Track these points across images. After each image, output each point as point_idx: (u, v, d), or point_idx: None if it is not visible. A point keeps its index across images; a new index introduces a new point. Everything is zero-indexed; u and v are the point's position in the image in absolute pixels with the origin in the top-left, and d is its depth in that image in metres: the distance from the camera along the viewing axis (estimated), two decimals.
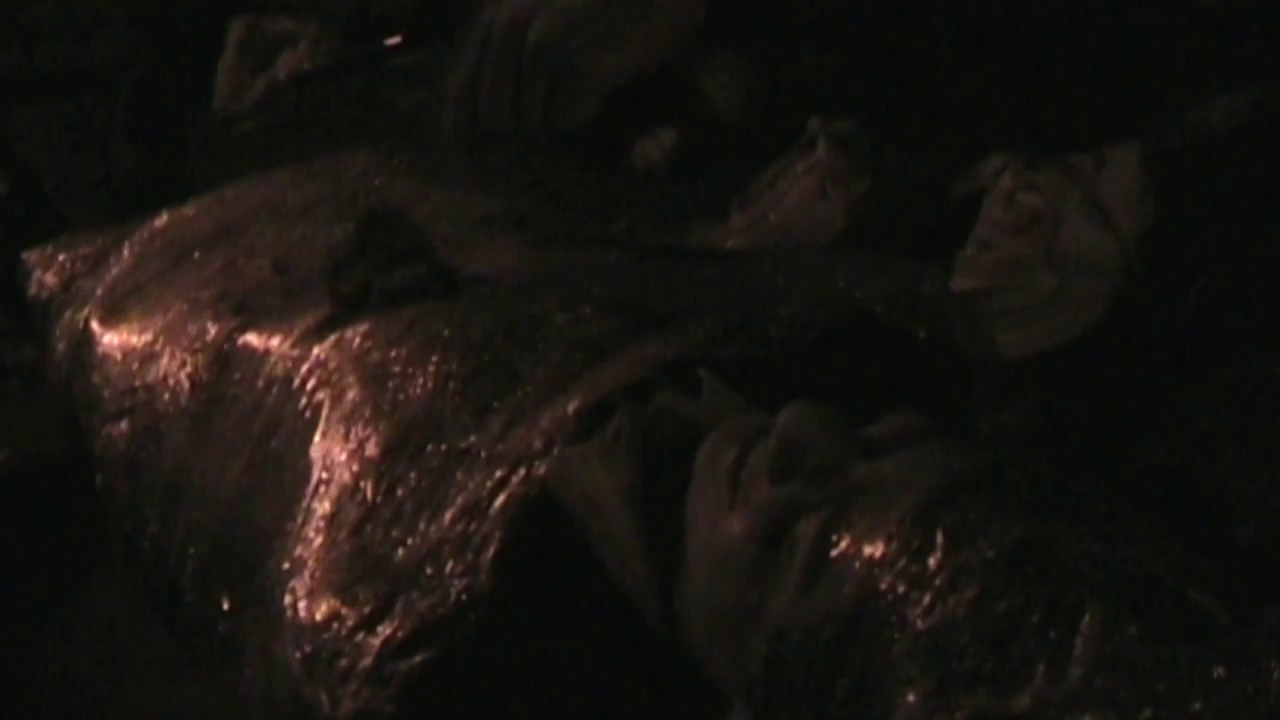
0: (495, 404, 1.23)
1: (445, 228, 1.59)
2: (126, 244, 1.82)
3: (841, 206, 1.95)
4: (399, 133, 3.04)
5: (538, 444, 1.16)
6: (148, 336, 1.60)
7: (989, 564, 0.88)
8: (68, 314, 1.77)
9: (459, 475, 1.18)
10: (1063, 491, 0.95)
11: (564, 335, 1.29)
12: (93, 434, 1.62)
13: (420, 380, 1.28)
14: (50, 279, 1.93)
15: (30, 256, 2.02)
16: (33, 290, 1.96)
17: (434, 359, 1.29)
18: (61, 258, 1.95)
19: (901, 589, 0.89)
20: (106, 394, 1.60)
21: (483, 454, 1.19)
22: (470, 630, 1.12)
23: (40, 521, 1.99)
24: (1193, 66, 2.40)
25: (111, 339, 1.65)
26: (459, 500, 1.16)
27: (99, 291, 1.75)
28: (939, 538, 0.90)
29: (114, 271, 1.78)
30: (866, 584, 0.90)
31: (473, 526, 1.14)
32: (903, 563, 0.89)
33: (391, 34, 3.63)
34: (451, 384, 1.26)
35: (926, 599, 0.88)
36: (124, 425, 1.56)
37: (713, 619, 1.02)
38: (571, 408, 1.19)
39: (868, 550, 0.91)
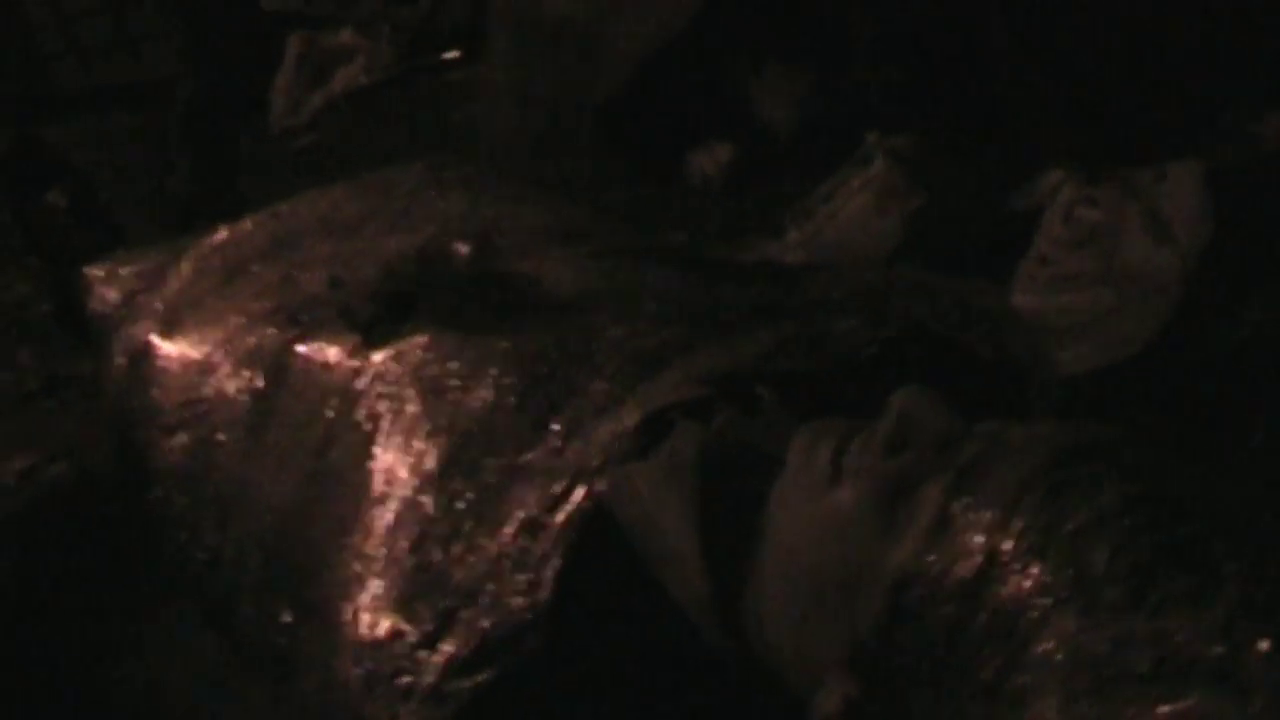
0: (552, 418, 1.23)
1: (499, 241, 1.60)
2: (183, 259, 1.83)
3: (898, 221, 1.95)
4: (454, 146, 3.06)
5: (595, 459, 1.16)
6: (205, 350, 1.61)
7: (1122, 511, 0.87)
8: (126, 328, 1.78)
9: (517, 490, 1.18)
10: (1181, 463, 0.94)
11: (620, 348, 1.29)
12: (150, 447, 1.62)
13: (478, 393, 1.28)
14: (112, 294, 1.94)
15: (91, 271, 2.03)
16: (93, 305, 1.97)
17: (492, 372, 1.29)
18: (122, 272, 1.97)
19: (1036, 538, 0.88)
20: (165, 407, 1.61)
21: (542, 468, 1.19)
22: (531, 649, 1.11)
23: (93, 533, 2.01)
24: (1251, 82, 2.38)
25: (170, 353, 1.66)
26: (518, 515, 1.16)
27: (157, 306, 1.76)
28: (1070, 492, 0.90)
29: (172, 286, 1.79)
30: (998, 533, 0.89)
31: (532, 542, 1.14)
32: (1034, 514, 0.89)
33: (449, 48, 3.66)
34: (509, 397, 1.26)
35: (1064, 546, 0.87)
36: (182, 438, 1.57)
37: (810, 597, 1.01)
38: (629, 422, 1.18)
39: (998, 504, 0.91)
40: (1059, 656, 0.84)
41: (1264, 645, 0.80)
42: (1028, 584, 0.87)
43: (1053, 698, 0.84)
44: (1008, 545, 0.89)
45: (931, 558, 0.92)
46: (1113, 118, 2.27)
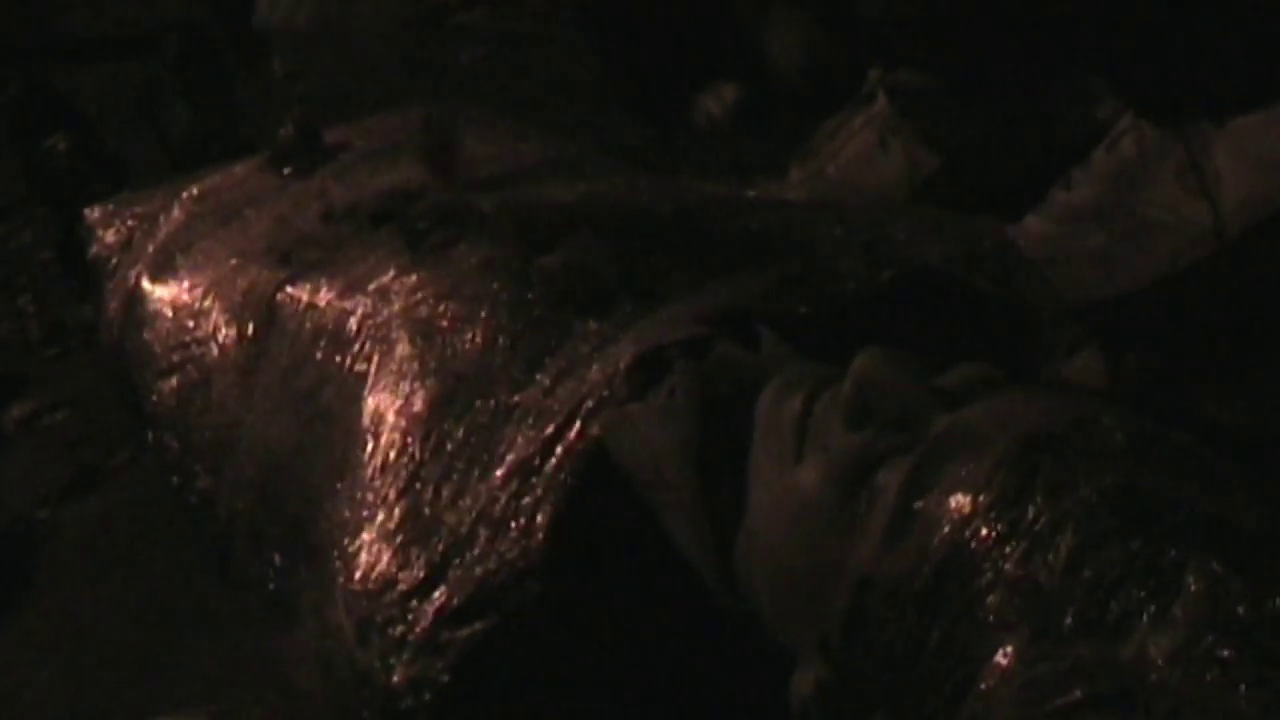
0: (546, 359, 1.20)
1: (493, 177, 1.57)
2: (177, 203, 1.81)
3: (902, 159, 1.91)
4: (457, 88, 3.03)
5: (589, 399, 1.13)
6: (197, 292, 1.59)
7: (1089, 512, 0.82)
8: (120, 272, 1.77)
9: (509, 431, 1.16)
10: (1160, 442, 0.88)
11: (616, 286, 1.26)
12: (145, 390, 1.61)
13: (470, 335, 1.25)
14: (110, 237, 1.92)
15: (91, 214, 2.02)
16: (94, 248, 1.96)
17: (483, 313, 1.26)
18: (121, 215, 1.95)
19: (997, 536, 0.83)
20: (157, 350, 1.60)
21: (533, 409, 1.16)
22: (526, 598, 1.09)
23: (95, 480, 2.01)
24: None
25: (162, 296, 1.64)
26: (509, 458, 1.13)
27: (150, 249, 1.74)
28: (1036, 484, 0.84)
29: (165, 230, 1.77)
30: (959, 532, 0.84)
31: (525, 485, 1.11)
32: (997, 510, 0.83)
33: None
34: (501, 338, 1.24)
35: (1023, 546, 0.82)
36: (173, 381, 1.56)
37: (782, 574, 0.97)
38: (623, 361, 1.15)
39: (959, 498, 0.85)
40: (1013, 684, 0.79)
41: (1217, 673, 0.74)
42: (984, 603, 0.82)
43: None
44: (965, 551, 0.83)
45: (890, 560, 0.87)
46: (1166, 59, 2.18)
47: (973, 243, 1.37)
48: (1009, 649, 0.80)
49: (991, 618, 0.81)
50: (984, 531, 0.83)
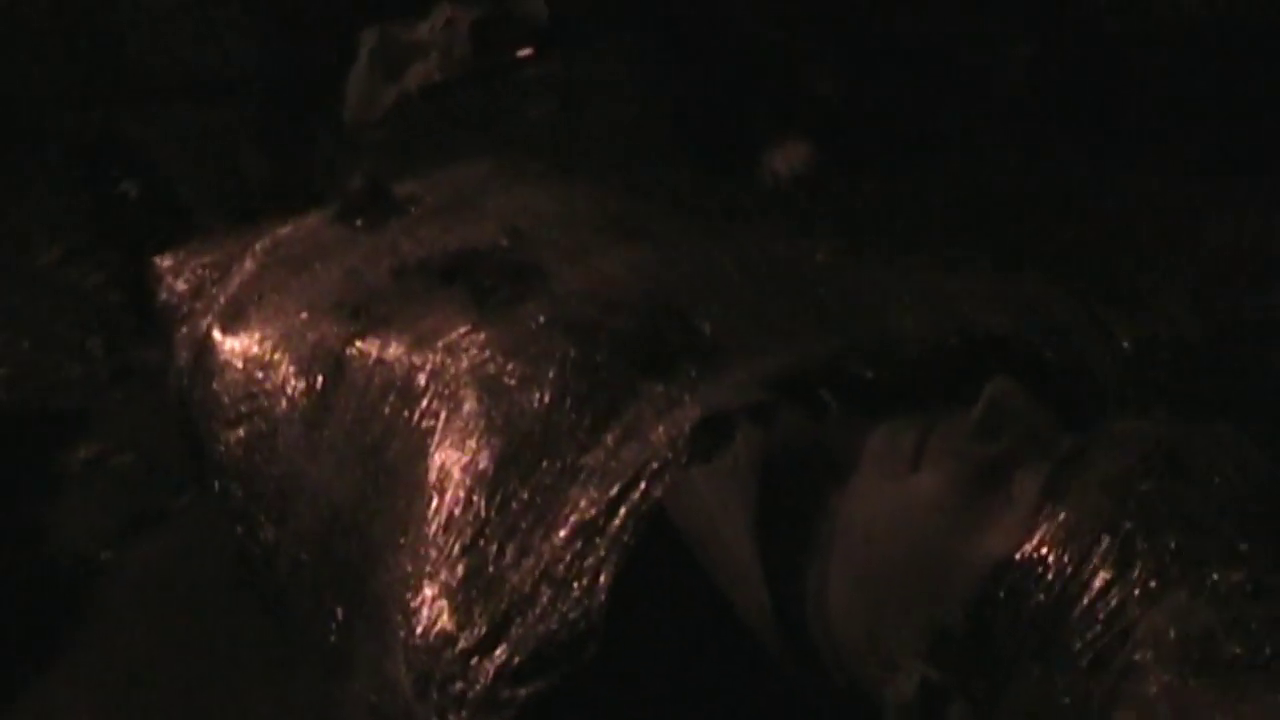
0: (610, 420, 1.21)
1: (562, 235, 1.58)
2: (249, 254, 1.83)
3: None
4: (527, 142, 3.05)
5: (653, 461, 1.14)
6: (267, 344, 1.61)
7: (1240, 496, 0.88)
8: (191, 321, 1.78)
9: (573, 491, 1.16)
10: None
11: (680, 349, 1.27)
12: (211, 439, 1.62)
13: (536, 394, 1.26)
14: (181, 285, 1.95)
15: (162, 261, 2.04)
16: (163, 295, 1.98)
17: (550, 372, 1.27)
18: (192, 263, 1.97)
19: (1138, 525, 0.88)
20: (225, 400, 1.61)
21: (597, 470, 1.16)
22: (586, 658, 1.09)
23: (157, 524, 2.03)
24: None
25: (232, 347, 1.66)
26: (573, 518, 1.14)
27: (222, 299, 1.76)
28: (1188, 466, 0.90)
29: (236, 280, 1.79)
30: (1099, 521, 0.89)
31: (588, 545, 1.12)
32: (1146, 491, 0.89)
33: (523, 46, 3.65)
34: (568, 398, 1.24)
35: (1180, 521, 0.87)
36: (241, 431, 1.57)
37: (881, 583, 1.00)
38: (687, 424, 1.16)
39: (1099, 495, 0.90)
40: (1170, 633, 0.83)
41: None
42: (1134, 569, 0.86)
43: (1161, 674, 0.83)
44: (1113, 530, 0.88)
45: (1030, 545, 0.91)
46: None
47: (1041, 310, 1.37)
48: (1172, 599, 0.84)
49: (1151, 582, 0.85)
50: (1129, 519, 0.88)
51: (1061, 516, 0.91)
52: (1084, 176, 2.21)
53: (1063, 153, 2.22)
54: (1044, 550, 0.90)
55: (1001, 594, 0.91)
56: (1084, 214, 2.11)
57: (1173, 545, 0.86)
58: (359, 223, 1.79)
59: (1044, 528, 0.91)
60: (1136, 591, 0.86)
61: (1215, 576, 0.84)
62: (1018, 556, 0.91)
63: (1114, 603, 0.86)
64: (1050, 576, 0.89)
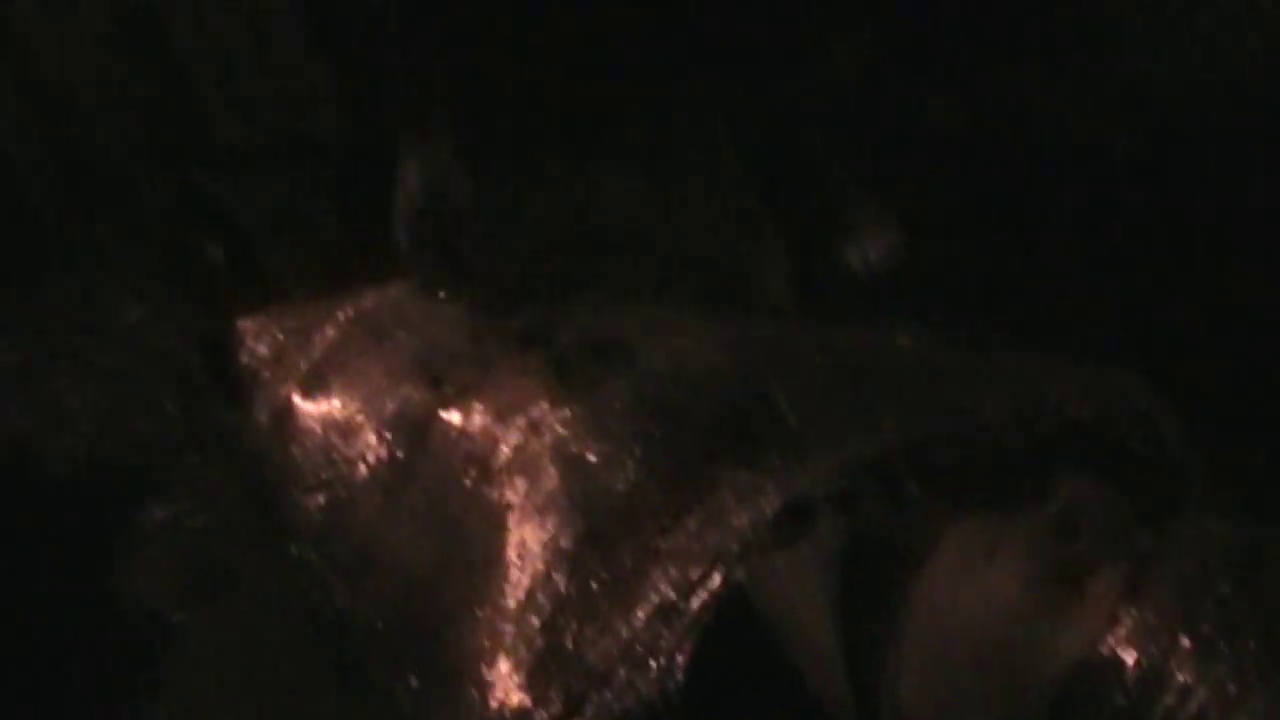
0: (693, 503, 1.21)
1: (646, 310, 1.59)
2: (330, 320, 1.85)
3: None
4: (608, 210, 3.06)
5: (734, 546, 1.14)
6: (348, 410, 1.62)
7: None
8: (272, 386, 1.81)
9: (653, 573, 1.16)
10: None
11: (763, 434, 1.27)
12: (288, 503, 1.64)
13: (620, 475, 1.26)
14: (262, 349, 1.97)
15: (244, 324, 2.07)
16: (244, 358, 2.01)
17: (635, 454, 1.28)
18: (273, 327, 2.00)
19: (1218, 629, 0.88)
20: (304, 466, 1.63)
21: (678, 552, 1.17)
22: None
23: (230, 586, 2.03)
24: None
25: (313, 412, 1.68)
26: (652, 599, 1.14)
27: (303, 365, 1.78)
28: (1262, 573, 0.89)
29: (318, 347, 1.81)
30: (1179, 625, 0.89)
31: (666, 628, 1.12)
32: (1225, 593, 0.89)
33: None
34: (651, 481, 1.25)
35: (1259, 624, 0.87)
36: (319, 497, 1.58)
37: (958, 680, 0.99)
38: (769, 509, 1.16)
39: (1178, 598, 0.90)
40: None
41: None
42: (1214, 671, 0.86)
43: None
44: (1192, 632, 0.87)
45: (1108, 646, 0.90)
46: None
47: (1124, 399, 1.37)
48: (1252, 709, 0.84)
49: (1230, 686, 0.85)
50: (1209, 622, 0.87)
51: (1140, 617, 0.90)
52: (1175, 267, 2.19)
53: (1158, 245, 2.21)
54: (1123, 651, 0.90)
55: (1080, 695, 0.91)
56: (1177, 304, 2.09)
57: (1252, 647, 0.85)
58: (441, 294, 1.80)
59: (1122, 628, 0.90)
60: (1217, 695, 0.85)
61: None
62: (1096, 657, 0.91)
63: (1194, 707, 0.86)
64: (1129, 678, 0.89)
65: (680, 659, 1.11)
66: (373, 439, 1.54)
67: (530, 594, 1.22)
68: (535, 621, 1.20)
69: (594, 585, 1.19)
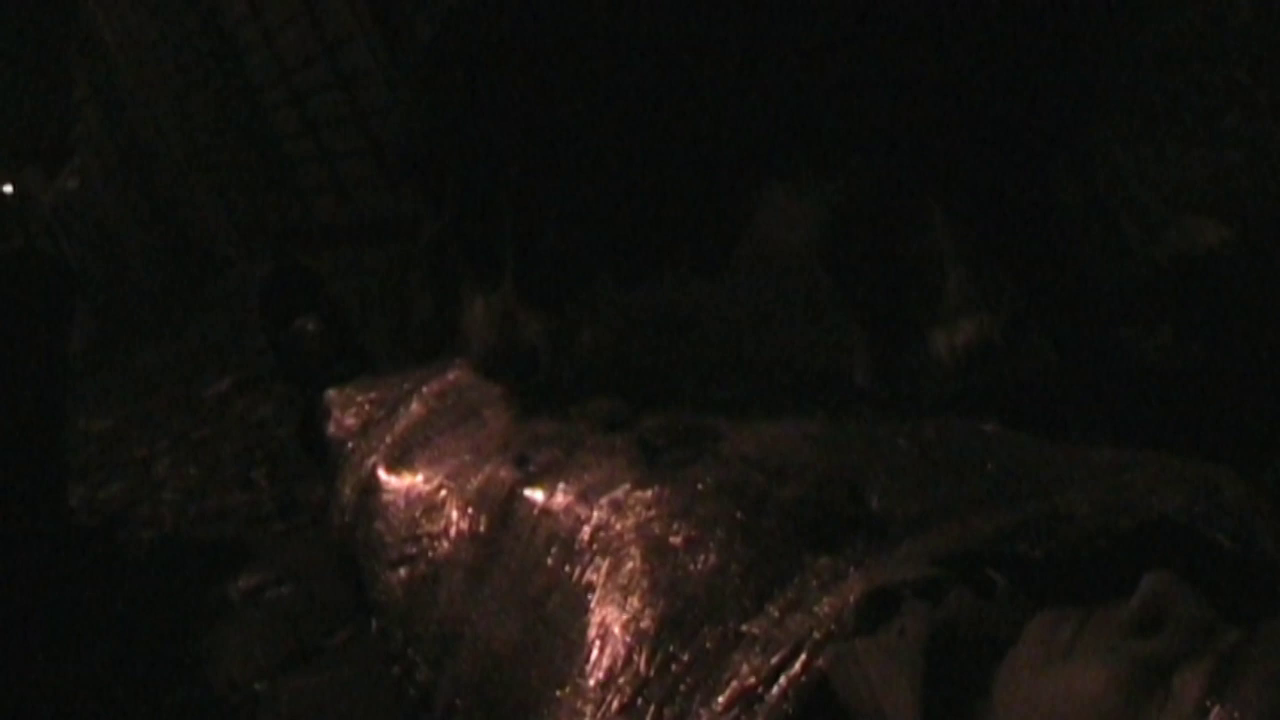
0: (776, 589, 1.20)
1: (733, 396, 1.59)
2: (416, 396, 1.87)
3: None
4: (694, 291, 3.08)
5: (817, 632, 1.13)
6: (431, 486, 1.64)
7: None
8: (357, 458, 1.82)
9: (735, 658, 1.15)
10: None
11: (849, 522, 1.26)
12: (373, 579, 1.65)
13: (702, 558, 1.26)
14: (349, 420, 1.99)
15: (332, 395, 2.10)
16: (331, 429, 2.03)
17: (718, 536, 1.27)
18: (360, 399, 2.02)
19: None
20: (389, 540, 1.64)
21: (760, 638, 1.16)
22: None
23: (314, 658, 2.05)
24: None
25: (397, 487, 1.69)
26: (733, 684, 1.13)
27: (388, 439, 1.80)
28: None
29: (403, 421, 1.83)
30: (1271, 716, 0.86)
31: (747, 713, 1.11)
32: None
33: None
34: (734, 565, 1.24)
35: None
36: (403, 572, 1.59)
37: None
38: (853, 596, 1.15)
39: (1263, 697, 0.88)
40: None
41: None
42: None
43: None
44: None
45: None
46: None
47: (1213, 493, 1.34)
48: None
49: None
50: None
51: (1226, 714, 0.88)
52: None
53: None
54: None
55: None
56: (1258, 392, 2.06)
57: None
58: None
59: None
60: None
61: None
62: None
63: None
64: None
65: None
66: (456, 515, 1.55)
67: (611, 675, 1.21)
68: (615, 703, 1.19)
69: (674, 668, 1.18)
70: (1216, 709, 0.89)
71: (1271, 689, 0.88)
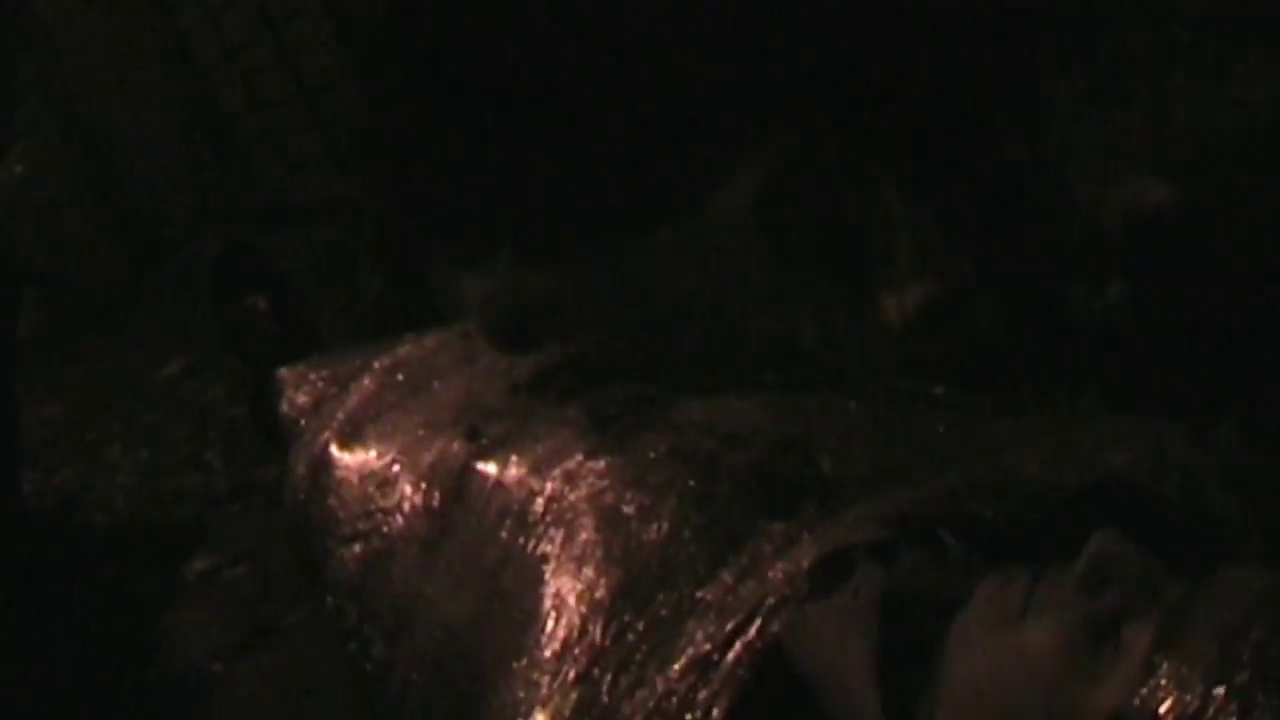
0: (729, 555, 1.20)
1: (675, 374, 1.59)
2: (368, 371, 1.86)
3: None
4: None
5: (771, 598, 1.13)
6: (385, 461, 1.63)
7: None
8: (309, 436, 1.81)
9: (689, 626, 1.16)
10: None
11: (799, 486, 1.26)
12: (327, 556, 1.64)
13: (655, 526, 1.26)
14: (301, 398, 1.98)
15: (284, 374, 2.08)
16: (284, 408, 2.02)
17: (670, 505, 1.28)
18: (312, 378, 2.01)
19: (1252, 678, 0.86)
20: (342, 516, 1.63)
21: (714, 604, 1.16)
22: None
23: (270, 637, 2.04)
24: None
25: (349, 463, 1.68)
26: (689, 651, 1.13)
27: (340, 416, 1.79)
28: None
29: (355, 397, 1.82)
30: (1212, 673, 0.87)
31: (702, 679, 1.11)
32: (1259, 641, 0.88)
33: None
34: (687, 532, 1.24)
35: None
36: (356, 548, 1.58)
37: None
38: (806, 561, 1.15)
39: (1210, 646, 0.89)
40: None
41: None
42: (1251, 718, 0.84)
43: None
44: (1227, 681, 0.86)
45: (1142, 699, 0.88)
46: None
47: (1161, 450, 1.35)
48: None
49: None
50: (1242, 671, 0.86)
51: (1175, 667, 0.89)
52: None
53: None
54: (1158, 703, 0.88)
55: None
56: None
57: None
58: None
59: (1156, 680, 0.89)
60: None
61: None
62: (1132, 710, 0.89)
63: None
64: None
65: (716, 713, 1.09)
66: (409, 489, 1.55)
67: (566, 646, 1.21)
68: (571, 674, 1.19)
69: (629, 637, 1.18)
70: (1165, 662, 0.89)
71: (1218, 640, 0.88)
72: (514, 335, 1.78)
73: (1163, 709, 0.88)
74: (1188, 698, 0.87)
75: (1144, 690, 0.89)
